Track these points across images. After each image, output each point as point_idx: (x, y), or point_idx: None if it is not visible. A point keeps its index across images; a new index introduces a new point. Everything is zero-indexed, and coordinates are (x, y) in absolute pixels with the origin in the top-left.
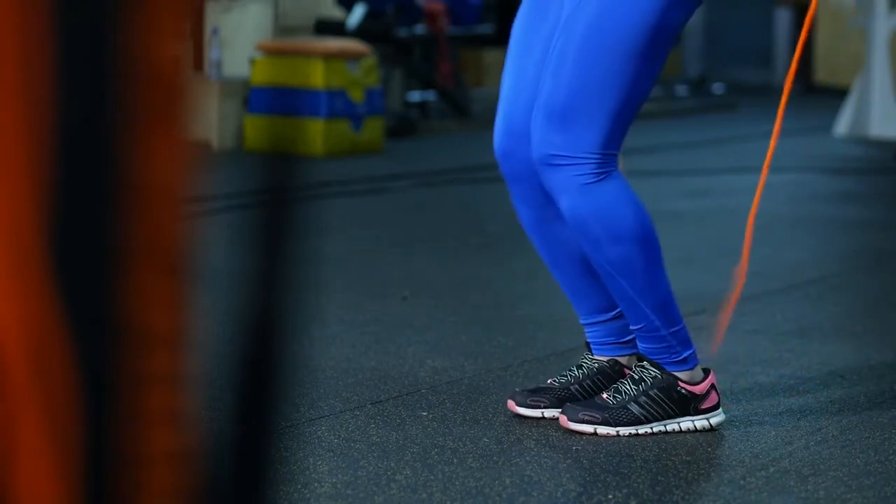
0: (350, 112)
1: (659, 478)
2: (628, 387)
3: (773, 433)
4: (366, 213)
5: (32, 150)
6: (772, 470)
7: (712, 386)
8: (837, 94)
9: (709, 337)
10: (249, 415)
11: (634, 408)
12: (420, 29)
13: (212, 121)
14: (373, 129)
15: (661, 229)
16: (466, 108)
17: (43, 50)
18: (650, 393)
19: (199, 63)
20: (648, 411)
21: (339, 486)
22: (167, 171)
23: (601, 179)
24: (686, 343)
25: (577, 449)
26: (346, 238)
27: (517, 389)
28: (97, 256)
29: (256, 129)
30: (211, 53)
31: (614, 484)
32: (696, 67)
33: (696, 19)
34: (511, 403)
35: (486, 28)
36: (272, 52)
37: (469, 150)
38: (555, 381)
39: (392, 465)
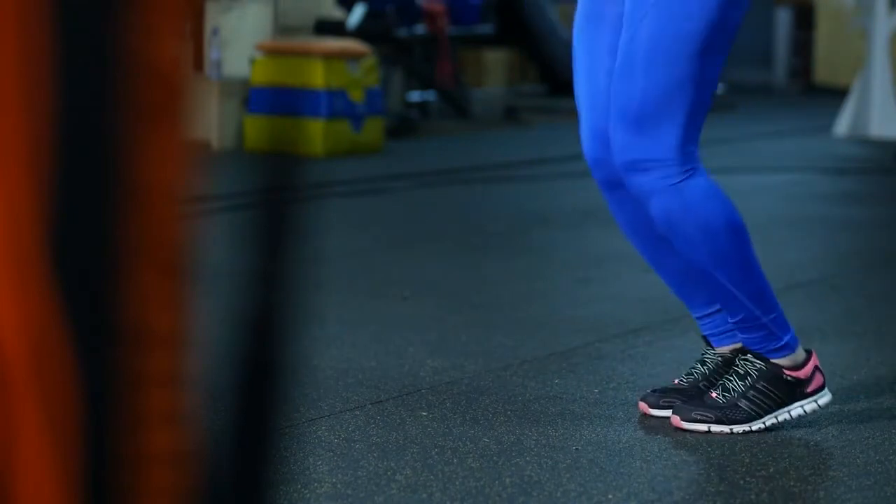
0: (350, 112)
1: (659, 478)
2: (735, 384)
3: (773, 433)
4: (366, 213)
5: (32, 150)
6: (772, 470)
7: (816, 368)
8: (837, 94)
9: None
10: (250, 415)
11: (745, 404)
12: (420, 29)
13: (212, 121)
14: (373, 129)
15: None
16: (466, 108)
17: (43, 50)
18: (757, 386)
19: (199, 63)
20: (759, 405)
21: (339, 486)
22: (167, 171)
23: (686, 178)
24: (785, 327)
25: (577, 449)
26: (347, 238)
27: (648, 391)
28: (97, 256)
29: (256, 129)
30: (211, 53)
31: (614, 484)
32: None
33: None
34: (643, 406)
35: (486, 28)
36: (272, 52)
37: (469, 150)
38: (682, 381)
39: (392, 465)
